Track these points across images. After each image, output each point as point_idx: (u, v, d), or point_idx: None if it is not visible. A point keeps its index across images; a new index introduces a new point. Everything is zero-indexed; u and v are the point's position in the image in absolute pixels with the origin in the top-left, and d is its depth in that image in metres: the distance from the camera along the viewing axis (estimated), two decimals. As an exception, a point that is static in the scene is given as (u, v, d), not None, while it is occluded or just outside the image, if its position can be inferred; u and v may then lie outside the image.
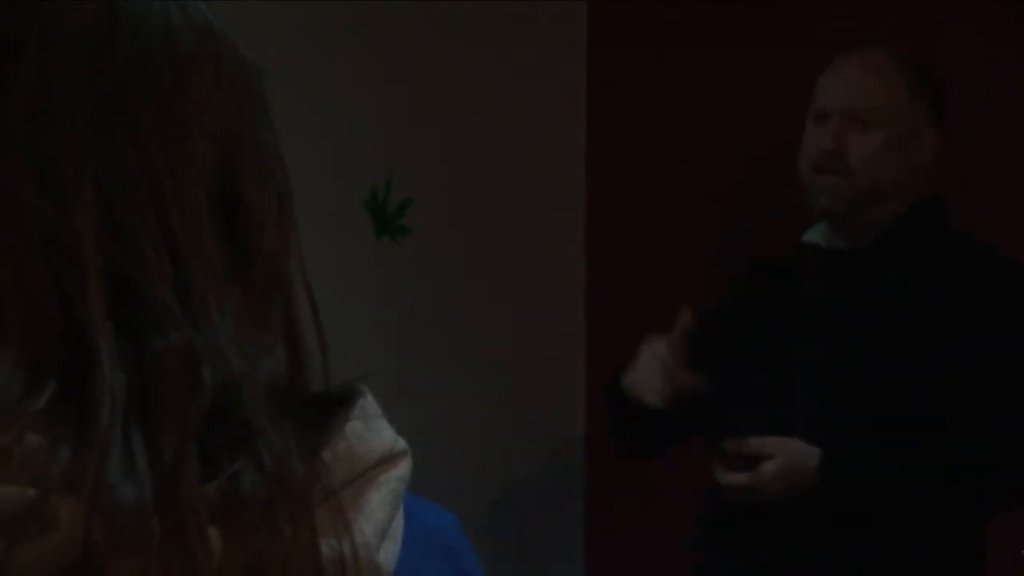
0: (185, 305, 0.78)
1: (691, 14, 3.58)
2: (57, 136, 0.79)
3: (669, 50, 3.60)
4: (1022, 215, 3.21)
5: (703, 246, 3.57)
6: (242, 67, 0.85)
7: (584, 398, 3.68)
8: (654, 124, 3.63)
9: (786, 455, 2.73)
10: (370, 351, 3.29)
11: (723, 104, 3.56)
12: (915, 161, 2.92)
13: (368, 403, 0.82)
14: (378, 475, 0.80)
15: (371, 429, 0.81)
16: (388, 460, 0.81)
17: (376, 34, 3.40)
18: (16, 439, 0.73)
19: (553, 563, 3.54)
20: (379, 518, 0.79)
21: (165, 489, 0.74)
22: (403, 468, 0.82)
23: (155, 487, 0.74)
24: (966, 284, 2.79)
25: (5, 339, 0.76)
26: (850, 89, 2.93)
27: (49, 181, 0.78)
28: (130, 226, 0.78)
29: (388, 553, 0.80)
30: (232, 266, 0.81)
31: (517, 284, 3.60)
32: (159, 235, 0.79)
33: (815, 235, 2.99)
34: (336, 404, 0.81)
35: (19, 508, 0.72)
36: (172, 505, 0.74)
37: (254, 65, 0.87)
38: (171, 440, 0.75)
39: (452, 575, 0.90)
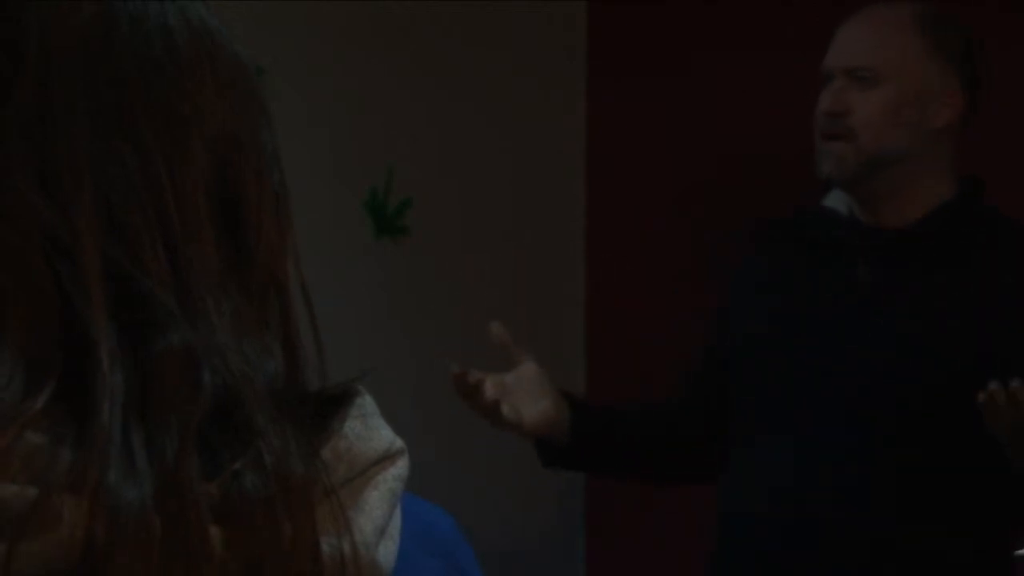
0: (184, 305, 0.79)
1: (691, 14, 3.58)
2: (57, 137, 0.79)
3: (669, 50, 3.61)
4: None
5: (703, 246, 3.57)
6: (240, 67, 0.86)
7: (584, 398, 3.68)
8: (654, 124, 3.64)
9: None
10: (370, 351, 3.29)
11: (723, 104, 3.56)
12: (930, 124, 2.72)
13: (366, 402, 0.82)
14: (376, 474, 0.80)
15: (369, 428, 0.81)
16: (386, 459, 0.81)
17: (376, 34, 3.40)
18: (17, 439, 0.73)
19: (552, 563, 3.54)
20: (378, 516, 0.79)
21: (166, 488, 0.74)
22: (401, 467, 0.82)
23: (156, 486, 0.74)
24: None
25: (5, 339, 0.76)
26: (852, 45, 2.75)
27: (49, 181, 0.78)
28: (129, 226, 0.79)
29: (387, 551, 0.80)
30: (230, 266, 0.82)
31: (517, 284, 3.60)
32: (158, 235, 0.79)
33: (836, 201, 2.80)
34: (334, 403, 0.82)
35: (20, 508, 0.72)
36: (173, 504, 0.74)
37: (252, 65, 0.87)
38: (172, 439, 0.75)
39: (449, 573, 0.91)
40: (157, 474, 0.74)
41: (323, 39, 3.33)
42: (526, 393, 2.69)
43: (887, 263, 2.69)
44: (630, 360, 3.64)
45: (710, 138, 3.57)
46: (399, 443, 0.82)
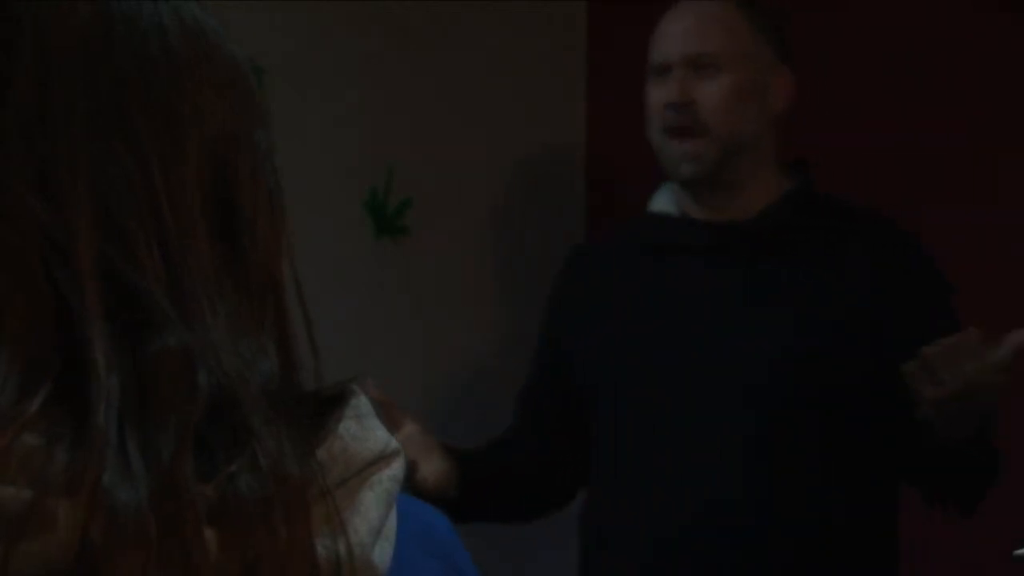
0: (180, 306, 0.79)
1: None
2: (53, 137, 0.79)
3: (669, 50, 3.60)
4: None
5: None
6: (235, 67, 0.86)
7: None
8: (654, 124, 3.63)
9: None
10: (369, 351, 3.29)
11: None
12: (771, 109, 2.68)
13: (362, 402, 0.83)
14: (372, 475, 0.80)
15: (365, 429, 0.81)
16: (382, 460, 0.81)
17: (376, 34, 3.40)
18: (13, 440, 0.73)
19: (549, 564, 3.54)
20: (373, 517, 0.79)
21: (162, 489, 0.74)
22: (396, 468, 0.82)
23: (152, 487, 0.74)
24: (896, 272, 2.61)
25: (2, 340, 0.76)
26: (690, 35, 2.67)
27: (45, 182, 0.78)
28: (126, 227, 0.79)
29: (382, 552, 0.80)
30: (226, 266, 0.82)
31: (517, 284, 3.60)
32: (154, 236, 0.79)
33: (663, 204, 2.75)
34: (330, 404, 0.82)
35: (17, 509, 0.72)
36: (169, 505, 0.74)
37: (247, 65, 0.87)
38: (168, 441, 0.75)
39: (444, 574, 0.91)
40: (153, 475, 0.74)
41: (323, 39, 3.33)
42: (417, 454, 2.58)
43: (735, 258, 2.64)
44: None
45: (710, 138, 3.57)
46: (394, 444, 0.82)
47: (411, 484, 2.53)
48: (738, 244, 2.65)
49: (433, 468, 2.59)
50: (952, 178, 3.24)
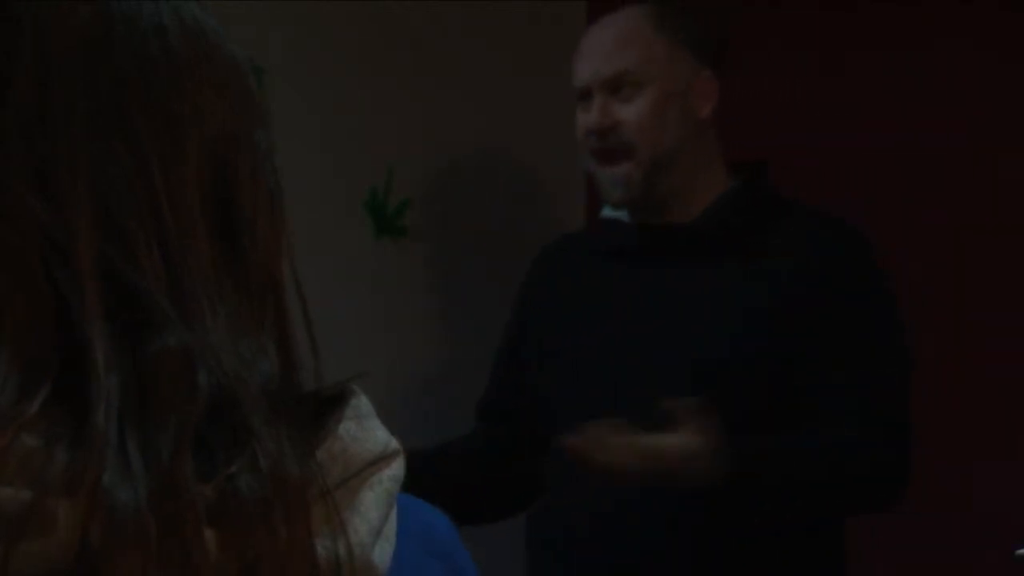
0: (179, 306, 0.78)
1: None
2: (53, 137, 0.79)
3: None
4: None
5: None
6: (235, 67, 0.86)
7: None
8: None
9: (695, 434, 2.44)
10: (369, 351, 3.29)
11: (721, 105, 3.55)
12: (695, 117, 2.68)
13: (362, 403, 0.82)
14: (372, 475, 0.80)
15: (365, 429, 0.81)
16: (382, 460, 0.81)
17: (376, 34, 3.40)
18: (12, 441, 0.73)
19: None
20: (373, 517, 0.79)
21: (162, 490, 0.74)
22: (397, 468, 0.82)
23: (152, 488, 0.74)
24: (818, 264, 2.58)
25: (1, 340, 0.76)
26: (602, 56, 2.69)
27: (46, 183, 0.78)
28: (126, 227, 0.79)
29: (382, 553, 0.80)
30: (226, 267, 0.82)
31: (517, 284, 3.60)
32: (154, 236, 0.79)
33: (615, 210, 2.77)
34: (330, 404, 0.82)
35: (16, 510, 0.72)
36: (169, 506, 0.74)
37: (247, 64, 0.87)
38: (167, 441, 0.75)
39: (445, 573, 0.91)
40: (153, 475, 0.74)
41: (323, 39, 3.33)
42: None
43: (670, 261, 2.66)
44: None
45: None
46: (395, 444, 0.82)
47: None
48: (669, 248, 2.68)
49: None
50: (952, 178, 3.24)
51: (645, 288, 2.68)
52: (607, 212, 2.79)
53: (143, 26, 0.82)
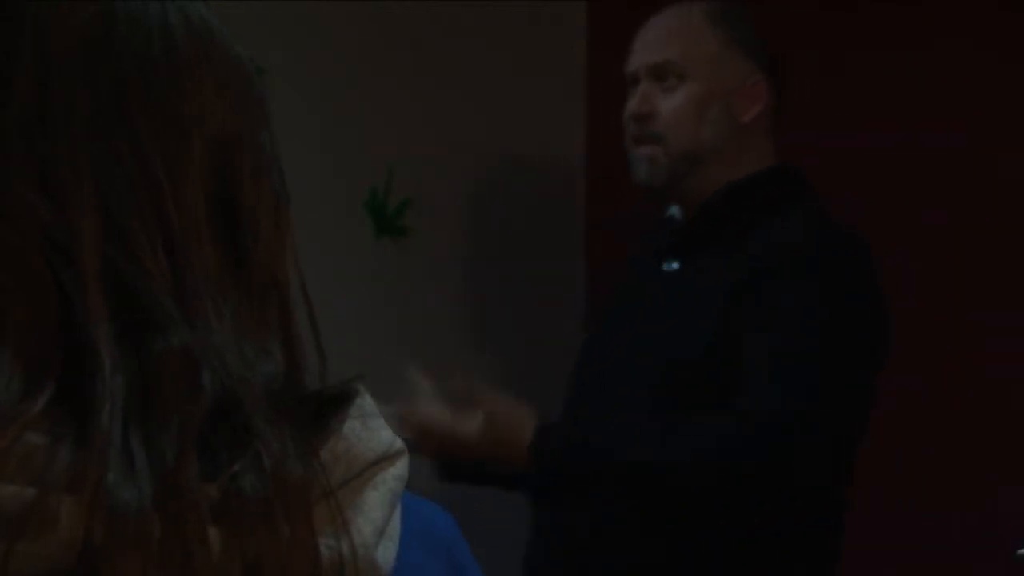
0: (183, 306, 0.78)
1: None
2: (56, 137, 0.79)
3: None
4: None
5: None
6: (239, 67, 0.85)
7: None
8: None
9: (499, 412, 2.51)
10: (370, 351, 3.29)
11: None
12: (737, 120, 2.66)
13: (366, 402, 0.82)
14: (376, 474, 0.80)
15: (369, 428, 0.81)
16: (386, 459, 0.81)
17: (376, 34, 3.40)
18: (16, 439, 0.73)
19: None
20: (377, 517, 0.79)
21: (165, 489, 0.74)
22: (400, 467, 0.82)
23: (155, 487, 0.74)
24: (762, 262, 2.53)
25: (5, 340, 0.76)
26: (651, 44, 2.69)
27: (48, 183, 0.78)
28: (129, 227, 0.79)
29: (386, 552, 0.80)
30: (229, 267, 0.81)
31: (517, 284, 3.60)
32: (157, 236, 0.79)
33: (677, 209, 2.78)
34: (333, 404, 0.82)
35: (19, 508, 0.72)
36: (172, 505, 0.74)
37: (251, 65, 0.87)
38: (171, 441, 0.75)
39: (448, 572, 0.91)
40: (156, 475, 0.74)
41: (323, 39, 3.33)
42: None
43: (667, 259, 2.66)
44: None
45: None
46: (399, 443, 0.82)
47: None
48: (670, 246, 2.68)
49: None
50: (952, 178, 3.24)
51: (642, 286, 2.70)
52: (671, 210, 2.78)
53: (146, 26, 0.82)
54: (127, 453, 0.74)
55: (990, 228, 3.20)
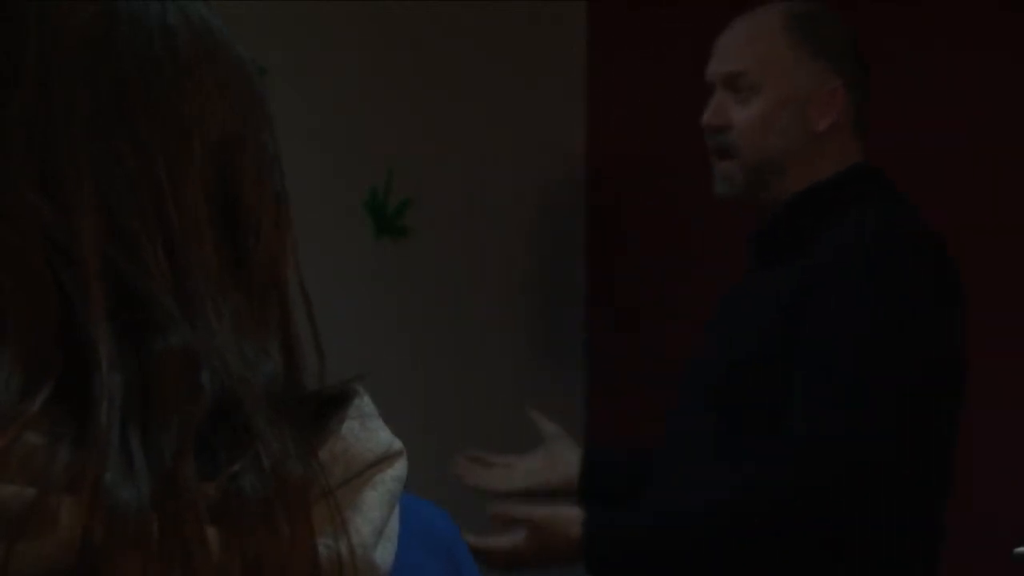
0: (183, 306, 0.78)
1: (691, 14, 3.58)
2: (57, 137, 0.79)
3: (669, 50, 3.61)
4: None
5: (703, 247, 3.57)
6: (240, 67, 0.86)
7: (585, 398, 3.68)
8: (654, 124, 3.64)
9: (539, 521, 2.52)
10: (369, 351, 3.29)
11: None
12: (812, 128, 2.59)
13: (365, 403, 0.82)
14: (374, 475, 0.80)
15: (368, 429, 0.81)
16: (384, 460, 0.81)
17: (376, 34, 3.40)
18: (15, 439, 0.73)
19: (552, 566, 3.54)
20: (375, 517, 0.79)
21: (164, 489, 0.74)
22: (399, 468, 0.82)
23: (154, 486, 0.74)
24: (818, 265, 2.49)
25: (5, 339, 0.76)
26: (726, 52, 2.63)
27: (49, 182, 0.78)
28: (129, 228, 0.79)
29: (384, 553, 0.80)
30: (230, 267, 0.82)
31: (517, 284, 3.60)
32: (158, 236, 0.79)
33: None
34: (333, 404, 0.82)
35: (18, 508, 0.72)
36: (171, 504, 0.74)
37: (253, 65, 0.87)
38: (170, 441, 0.75)
39: (447, 572, 0.91)
40: (155, 475, 0.74)
41: (323, 39, 3.33)
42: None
43: (762, 261, 2.64)
44: (630, 359, 3.64)
45: (710, 138, 3.57)
46: (397, 444, 0.82)
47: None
48: (756, 252, 2.66)
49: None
50: (952, 178, 3.24)
51: (730, 295, 2.68)
52: None
53: (147, 26, 0.82)
54: (126, 453, 0.74)
55: (990, 228, 3.19)
